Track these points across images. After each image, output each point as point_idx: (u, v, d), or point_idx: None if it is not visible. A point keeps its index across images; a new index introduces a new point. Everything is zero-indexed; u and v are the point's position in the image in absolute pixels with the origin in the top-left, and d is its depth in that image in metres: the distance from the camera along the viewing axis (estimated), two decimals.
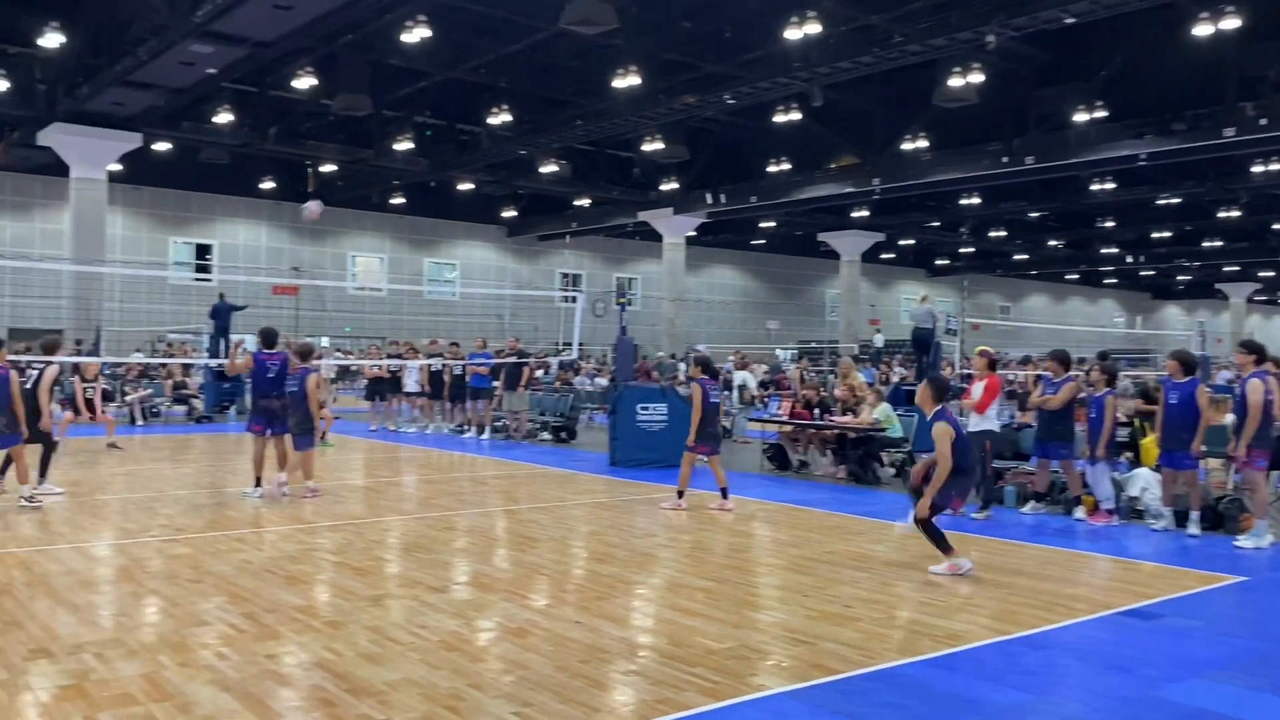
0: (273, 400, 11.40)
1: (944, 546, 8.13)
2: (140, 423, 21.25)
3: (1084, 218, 44.66)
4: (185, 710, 4.82)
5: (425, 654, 5.75)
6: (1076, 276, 65.48)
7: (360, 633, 6.14)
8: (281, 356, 11.61)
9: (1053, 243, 51.55)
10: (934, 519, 8.15)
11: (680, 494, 11.14)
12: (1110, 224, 45.04)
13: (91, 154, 27.59)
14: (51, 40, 23.08)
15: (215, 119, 27.88)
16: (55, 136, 27.02)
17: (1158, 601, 7.36)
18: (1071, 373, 11.40)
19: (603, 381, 25.78)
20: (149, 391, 22.21)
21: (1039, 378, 18.80)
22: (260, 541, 9.05)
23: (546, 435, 19.49)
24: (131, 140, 27.78)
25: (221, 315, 23.55)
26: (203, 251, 39.26)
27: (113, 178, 29.69)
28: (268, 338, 11.75)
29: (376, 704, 4.95)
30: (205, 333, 26.63)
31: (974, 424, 10.96)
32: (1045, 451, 11.13)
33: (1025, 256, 55.85)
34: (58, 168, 29.19)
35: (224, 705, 4.90)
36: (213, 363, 22.63)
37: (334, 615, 6.55)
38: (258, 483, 11.42)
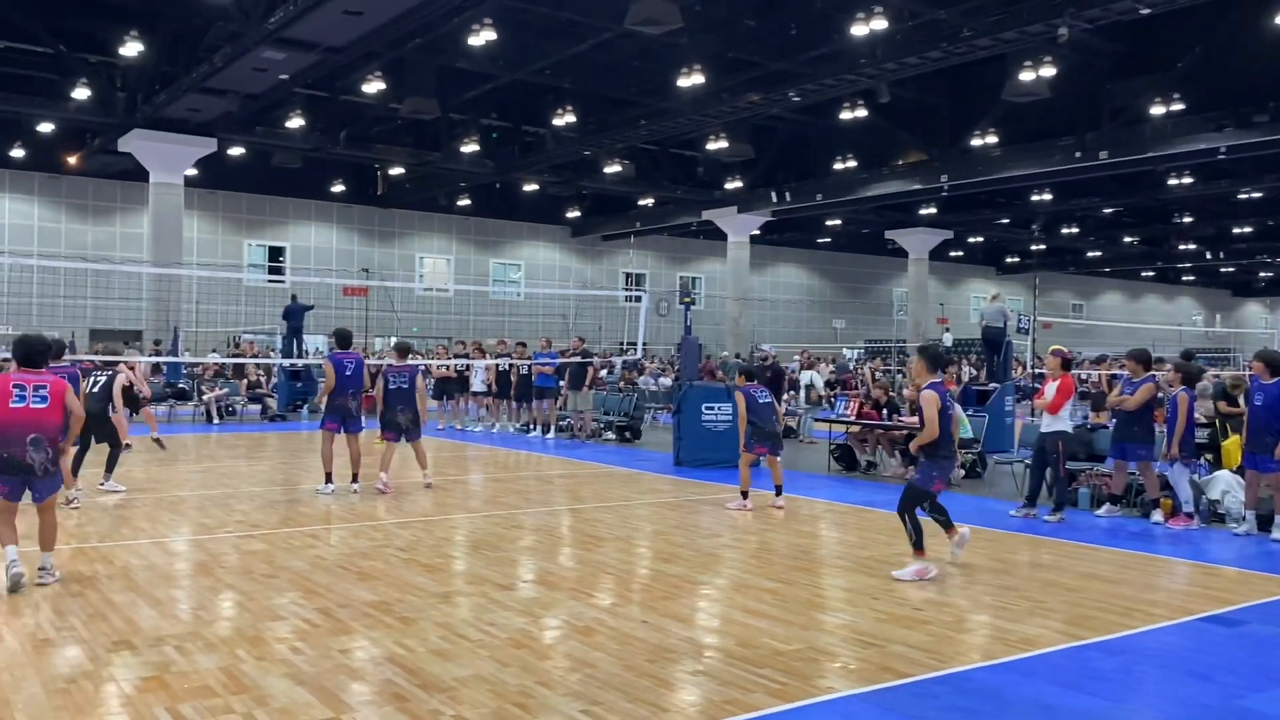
0: (349, 399, 11.61)
1: (918, 544, 7.88)
2: (216, 421, 21.78)
3: (1160, 213, 43.56)
4: (262, 703, 4.93)
5: (494, 651, 5.80)
6: (1152, 274, 63.91)
7: (430, 629, 6.23)
8: (356, 356, 11.89)
9: (1128, 239, 50.37)
10: (918, 510, 7.98)
11: (744, 495, 11.12)
12: (1188, 219, 43.88)
13: (169, 159, 28.34)
14: (130, 49, 23.79)
15: (287, 124, 28.52)
16: (134, 142, 27.81)
17: (1240, 608, 7.14)
18: (1150, 373, 11.10)
19: (667, 381, 25.78)
20: (225, 391, 22.74)
21: (1113, 377, 18.40)
22: (332, 538, 9.22)
23: (611, 435, 19.55)
24: (207, 145, 28.49)
25: (294, 316, 24.06)
26: (275, 254, 40.10)
27: (189, 182, 30.46)
28: (342, 338, 12.03)
29: (447, 699, 5.01)
30: (279, 333, 27.21)
31: (1046, 424, 10.76)
32: (1123, 453, 10.85)
33: (1099, 253, 54.64)
34: (137, 173, 30.06)
35: (299, 698, 5.00)
36: (285, 362, 23.11)
37: (405, 611, 6.65)
38: (328, 479, 11.65)
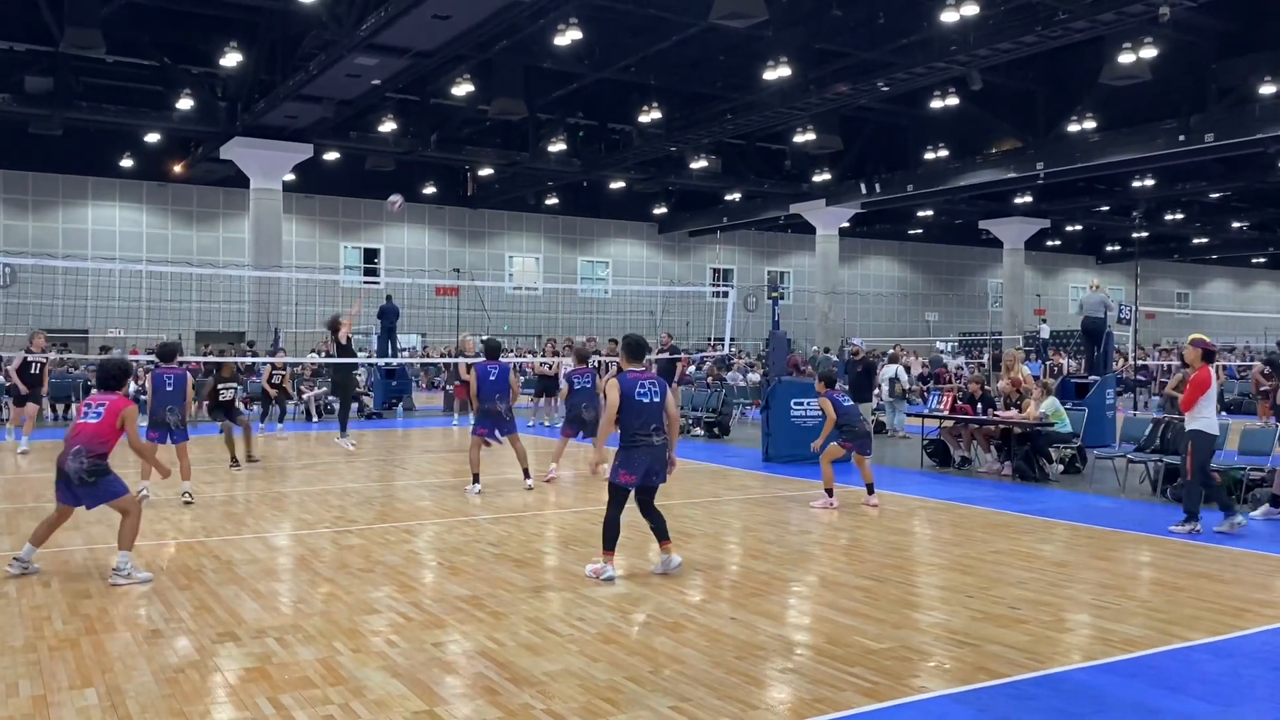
0: (496, 403, 11.86)
1: (608, 543, 7.50)
2: (315, 419, 22.36)
3: (1272, 197, 41.74)
4: (358, 694, 5.05)
5: (583, 646, 5.85)
6: (1264, 260, 61.27)
7: (521, 623, 6.30)
8: (501, 364, 12.19)
9: (1237, 224, 48.37)
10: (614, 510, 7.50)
11: (829, 492, 10.98)
12: None
13: (268, 165, 29.22)
14: (230, 60, 24.63)
15: (380, 128, 29.18)
16: (235, 150, 28.74)
17: None
18: None
19: (755, 377, 25.65)
20: (324, 390, 23.34)
21: (1223, 367, 17.65)
22: (426, 533, 9.40)
23: (699, 430, 19.53)
24: (304, 151, 29.28)
25: (388, 316, 24.59)
26: (370, 255, 41.04)
27: (287, 187, 31.36)
28: (490, 349, 12.47)
29: (537, 694, 5.06)
30: (374, 333, 27.84)
31: (1186, 424, 9.57)
32: None
33: (1205, 240, 52.58)
34: (238, 179, 31.06)
35: (394, 690, 5.11)
36: (380, 361, 23.61)
37: (496, 606, 6.74)
38: (475, 479, 11.92)
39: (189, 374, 11.56)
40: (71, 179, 35.07)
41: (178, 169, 34.48)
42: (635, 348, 7.87)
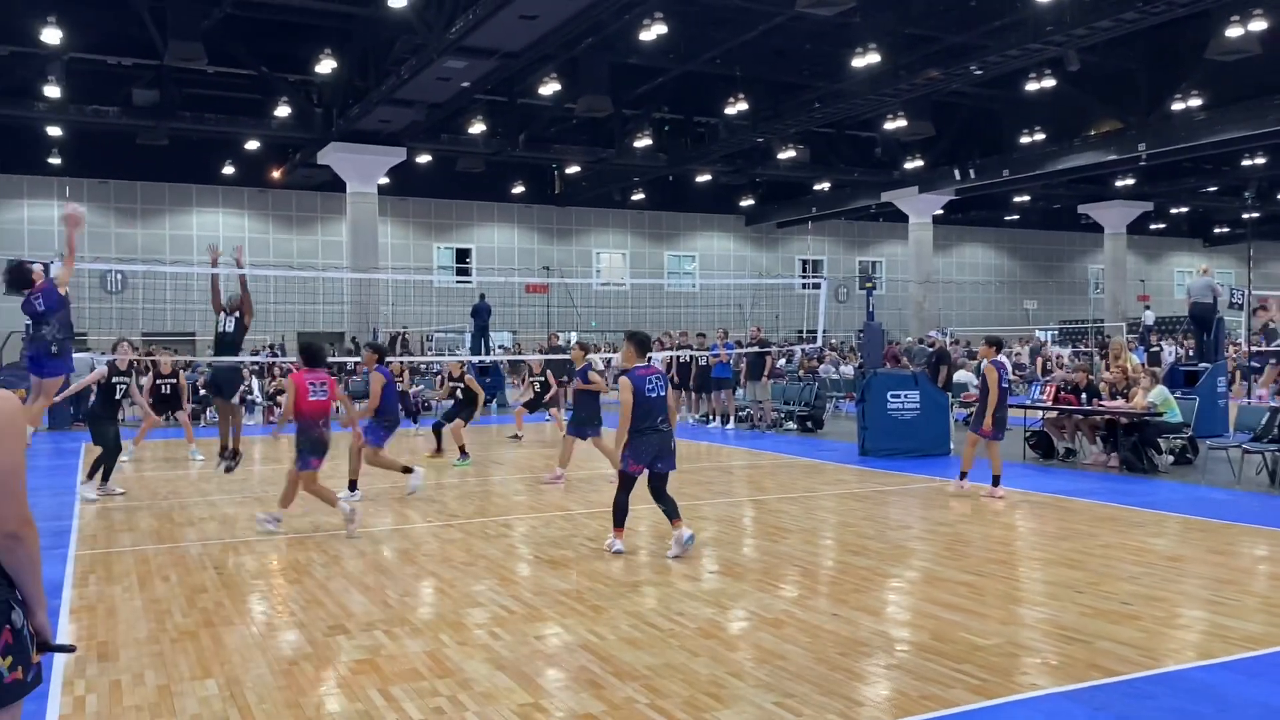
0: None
1: (617, 521, 8.21)
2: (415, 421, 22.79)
3: None
4: (465, 686, 5.14)
5: (684, 641, 5.85)
6: None
7: (621, 618, 6.34)
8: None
9: None
10: (624, 492, 8.17)
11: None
12: None
13: (363, 169, 29.91)
14: (325, 66, 25.26)
15: (470, 129, 29.63)
16: (332, 155, 29.47)
17: None
18: None
19: (848, 369, 25.36)
20: (420, 387, 23.81)
21: None
22: (523, 527, 9.52)
23: (792, 425, 19.36)
24: (397, 154, 29.90)
25: (481, 314, 24.96)
26: (462, 255, 41.71)
27: (381, 190, 32.06)
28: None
29: (641, 688, 5.09)
30: (467, 331, 28.30)
31: None
32: None
33: None
34: (334, 184, 31.84)
35: (500, 683, 5.19)
36: (475, 359, 23.95)
37: (595, 599, 6.79)
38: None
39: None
40: (177, 187, 36.39)
41: (277, 175, 35.51)
42: (642, 344, 8.40)
